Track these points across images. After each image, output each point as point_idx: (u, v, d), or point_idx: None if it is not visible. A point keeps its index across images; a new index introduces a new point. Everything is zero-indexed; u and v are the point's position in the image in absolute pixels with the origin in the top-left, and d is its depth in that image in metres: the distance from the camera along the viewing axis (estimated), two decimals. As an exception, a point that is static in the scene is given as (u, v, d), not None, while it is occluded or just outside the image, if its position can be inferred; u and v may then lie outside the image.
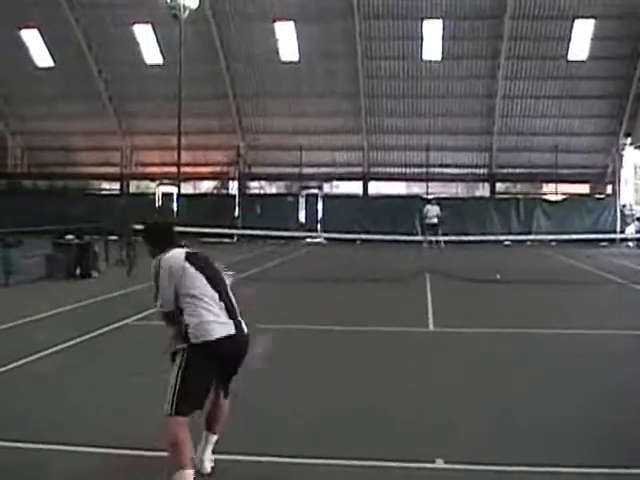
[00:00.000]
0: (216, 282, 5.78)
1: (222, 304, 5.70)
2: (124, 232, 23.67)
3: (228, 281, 5.98)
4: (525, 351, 11.31)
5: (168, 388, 5.56)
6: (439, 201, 37.31)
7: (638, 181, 44.46)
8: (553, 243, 35.86)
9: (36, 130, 45.26)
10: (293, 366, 10.00)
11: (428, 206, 36.31)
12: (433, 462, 6.17)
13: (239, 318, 5.78)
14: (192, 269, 5.70)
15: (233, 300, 5.83)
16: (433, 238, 32.86)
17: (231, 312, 5.72)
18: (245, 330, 5.78)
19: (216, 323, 5.57)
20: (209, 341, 5.52)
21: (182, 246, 6.01)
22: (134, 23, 41.20)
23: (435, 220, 35.43)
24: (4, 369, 9.46)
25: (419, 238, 32.81)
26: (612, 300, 17.52)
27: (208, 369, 5.58)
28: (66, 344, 11.04)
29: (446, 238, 32.35)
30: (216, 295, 5.69)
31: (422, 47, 40.65)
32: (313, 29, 40.11)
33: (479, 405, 8.12)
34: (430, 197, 39.35)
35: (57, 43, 42.11)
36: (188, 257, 5.79)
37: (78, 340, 11.38)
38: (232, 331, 5.62)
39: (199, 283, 5.67)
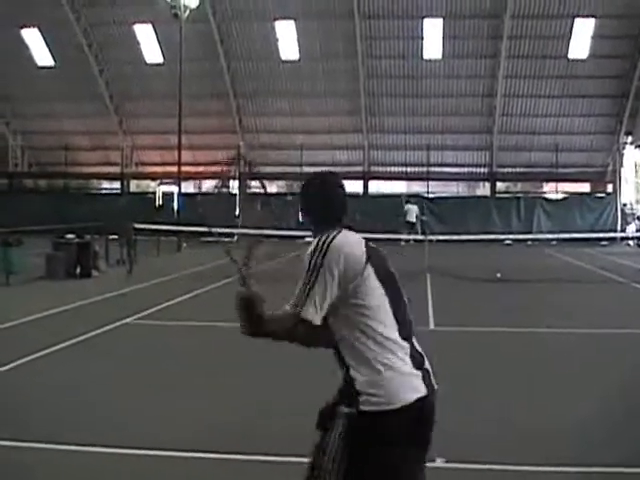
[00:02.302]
0: (398, 305, 3.69)
1: (405, 343, 3.62)
2: (124, 231, 23.71)
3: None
4: (526, 350, 11.32)
5: None
6: (417, 200, 37.90)
7: (638, 180, 44.42)
8: (554, 242, 35.82)
9: (37, 129, 45.30)
10: (294, 366, 9.99)
11: (408, 205, 36.62)
12: (433, 461, 6.16)
13: (426, 365, 3.71)
14: (373, 274, 3.58)
15: (414, 333, 3.77)
16: (410, 237, 32.87)
17: (415, 356, 3.65)
18: (435, 384, 3.68)
19: (406, 376, 3.50)
20: (397, 409, 3.41)
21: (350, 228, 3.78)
22: (135, 22, 41.19)
23: (414, 219, 35.82)
24: (6, 368, 9.47)
25: (419, 237, 32.79)
26: (612, 299, 17.51)
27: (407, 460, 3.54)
28: (66, 343, 11.05)
29: (441, 237, 32.16)
30: (397, 326, 3.61)
31: (422, 46, 40.61)
32: (313, 28, 40.09)
33: (480, 404, 8.12)
34: (409, 195, 39.64)
35: (58, 42, 42.09)
36: (369, 251, 3.64)
37: (79, 339, 11.39)
38: (422, 389, 3.51)
39: (380, 302, 3.59)
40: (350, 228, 3.74)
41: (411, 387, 3.45)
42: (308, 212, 3.94)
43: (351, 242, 3.61)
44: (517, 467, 6.12)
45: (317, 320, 3.48)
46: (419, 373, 3.53)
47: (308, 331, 3.50)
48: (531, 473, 6.03)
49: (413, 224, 35.79)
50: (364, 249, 3.60)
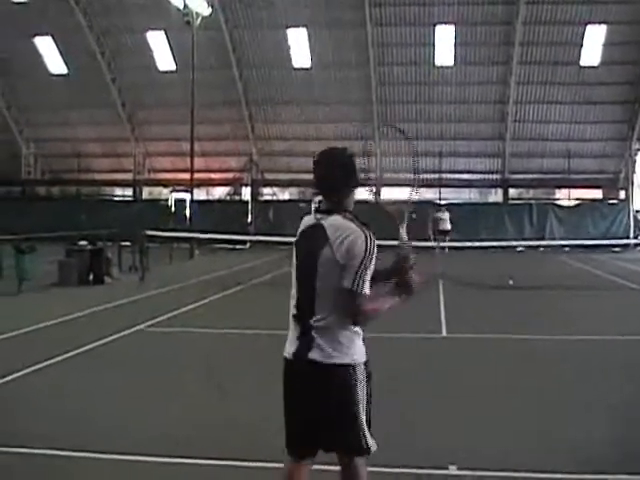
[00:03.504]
0: None
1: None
2: (137, 238, 23.77)
3: None
4: (539, 357, 11.28)
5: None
6: (449, 207, 37.47)
7: (651, 186, 44.29)
8: (566, 249, 35.73)
9: (49, 137, 45.57)
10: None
11: (439, 213, 36.32)
12: (446, 468, 6.16)
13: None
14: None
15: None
16: (443, 244, 32.73)
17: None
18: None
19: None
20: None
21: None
22: (147, 30, 41.40)
23: (448, 227, 35.42)
24: (19, 374, 9.50)
25: (432, 244, 32.71)
26: (626, 306, 17.44)
27: None
28: (79, 350, 11.07)
29: (454, 244, 32.01)
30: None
31: (434, 53, 40.65)
32: (325, 36, 40.18)
33: (493, 411, 8.10)
34: (442, 203, 39.44)
35: (71, 50, 42.35)
36: None
37: (92, 345, 11.42)
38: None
39: None
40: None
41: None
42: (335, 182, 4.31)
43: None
44: (530, 474, 6.10)
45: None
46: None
47: None
48: (544, 480, 6.02)
49: (448, 232, 35.00)
50: None
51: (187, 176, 35.72)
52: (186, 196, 39.66)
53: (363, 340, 4.25)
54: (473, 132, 42.49)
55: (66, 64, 43.19)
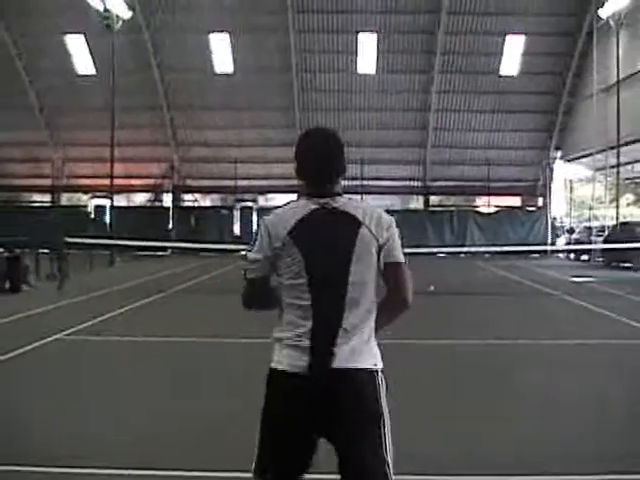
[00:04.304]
0: None
1: None
2: (56, 245, 23.27)
3: None
4: (457, 362, 11.37)
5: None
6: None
7: (568, 194, 45.35)
8: (486, 255, 36.33)
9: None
10: (234, 379, 9.87)
11: None
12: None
13: None
14: None
15: None
16: None
17: None
18: None
19: None
20: None
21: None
22: (66, 33, 40.65)
23: None
24: None
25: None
26: (543, 311, 17.76)
27: None
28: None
29: None
30: None
31: (357, 60, 40.92)
32: (248, 41, 40.07)
33: (418, 416, 8.11)
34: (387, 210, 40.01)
35: (-14, 53, 41.34)
36: None
37: (11, 355, 11.09)
38: None
39: None
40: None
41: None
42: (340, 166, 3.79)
43: None
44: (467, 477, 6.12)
45: None
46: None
47: None
48: None
49: None
50: None
51: (107, 182, 35.18)
52: (106, 202, 39.08)
53: None
54: (395, 140, 42.88)
55: (-19, 67, 42.15)
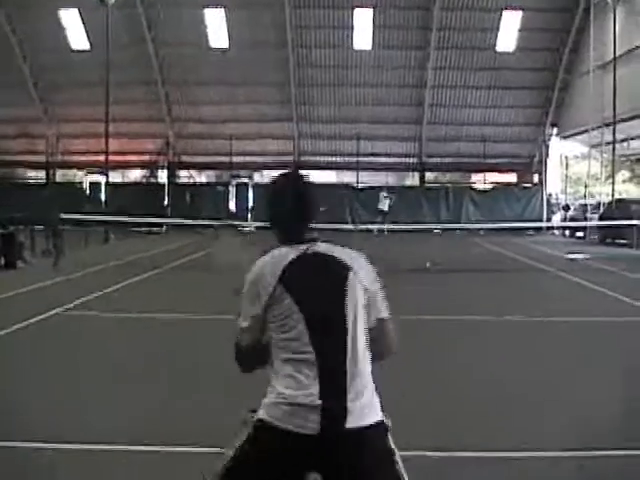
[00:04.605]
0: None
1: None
2: (51, 222, 23.22)
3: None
4: (454, 337, 11.41)
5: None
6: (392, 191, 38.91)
7: (564, 171, 45.34)
8: (482, 232, 36.36)
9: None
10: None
11: (384, 193, 37.78)
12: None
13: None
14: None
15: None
16: (376, 227, 33.43)
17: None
18: None
19: None
20: None
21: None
22: (59, 7, 40.35)
23: (386, 208, 37.58)
24: None
25: (349, 226, 32.95)
26: (537, 288, 17.84)
27: None
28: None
29: (391, 226, 32.51)
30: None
31: (353, 36, 40.72)
32: (243, 16, 39.82)
33: (414, 394, 8.15)
34: (383, 186, 40.78)
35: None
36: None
37: (9, 330, 11.10)
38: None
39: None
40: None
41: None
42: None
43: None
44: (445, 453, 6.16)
45: None
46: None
47: None
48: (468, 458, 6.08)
49: (384, 212, 37.50)
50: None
51: (102, 158, 35.04)
52: (101, 179, 38.97)
53: None
54: (391, 116, 42.75)
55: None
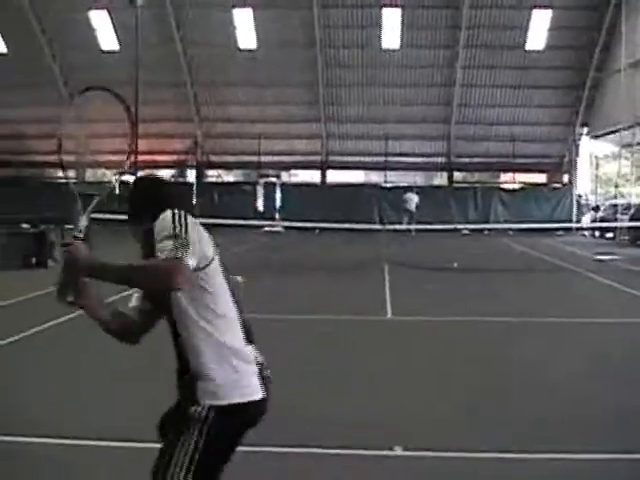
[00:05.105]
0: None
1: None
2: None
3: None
4: (482, 338, 11.38)
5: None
6: (418, 191, 38.49)
7: (594, 171, 44.99)
8: (510, 232, 36.16)
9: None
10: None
11: (409, 193, 37.61)
12: (391, 449, 6.17)
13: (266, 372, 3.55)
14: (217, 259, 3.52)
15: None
16: (404, 227, 33.40)
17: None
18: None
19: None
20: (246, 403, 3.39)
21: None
22: (89, 8, 40.65)
23: (413, 208, 37.00)
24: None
25: (377, 226, 32.94)
26: (567, 288, 17.73)
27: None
28: (26, 333, 10.89)
29: (419, 226, 32.47)
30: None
31: (381, 35, 40.64)
32: (272, 17, 39.87)
33: (436, 392, 8.14)
34: (412, 186, 40.34)
35: (10, 29, 41.38)
36: None
37: (38, 329, 11.21)
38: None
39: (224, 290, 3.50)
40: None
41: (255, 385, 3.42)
42: (146, 205, 3.85)
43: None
44: (475, 454, 6.14)
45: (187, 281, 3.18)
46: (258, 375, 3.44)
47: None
48: (490, 459, 6.06)
49: (412, 213, 36.87)
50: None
51: (131, 158, 35.17)
52: (130, 178, 39.10)
53: None
54: (419, 115, 42.62)
55: (5, 43, 42.23)
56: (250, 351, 3.45)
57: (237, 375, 3.35)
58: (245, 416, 3.39)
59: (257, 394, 3.39)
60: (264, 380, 3.44)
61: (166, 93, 41.69)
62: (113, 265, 3.40)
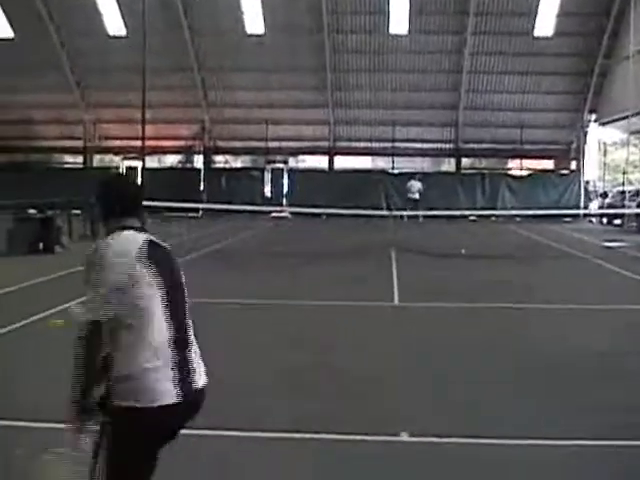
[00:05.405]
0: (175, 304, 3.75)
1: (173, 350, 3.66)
2: (88, 206, 23.44)
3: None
4: (489, 325, 11.37)
5: None
6: (421, 178, 38.13)
7: (602, 157, 44.83)
8: (518, 218, 36.13)
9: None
10: (250, 341, 9.93)
11: (412, 181, 37.33)
12: (398, 435, 6.17)
13: (192, 375, 3.70)
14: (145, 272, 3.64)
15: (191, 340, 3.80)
16: (412, 213, 33.26)
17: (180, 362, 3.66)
18: (195, 394, 3.69)
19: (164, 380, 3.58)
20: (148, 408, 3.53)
21: (140, 228, 3.91)
22: (96, -6, 40.62)
23: (417, 195, 36.68)
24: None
25: (384, 212, 32.92)
26: (574, 275, 17.70)
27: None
28: (33, 318, 10.91)
29: (426, 212, 32.41)
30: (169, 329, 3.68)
31: (389, 21, 40.46)
32: (279, 1, 39.71)
33: (444, 379, 8.14)
34: (414, 172, 40.13)
35: (17, 14, 41.30)
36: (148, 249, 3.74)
37: (45, 314, 11.23)
38: (173, 396, 3.57)
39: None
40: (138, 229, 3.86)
41: (161, 391, 3.54)
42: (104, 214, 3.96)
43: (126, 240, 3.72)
44: (481, 439, 6.13)
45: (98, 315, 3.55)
46: (176, 379, 3.58)
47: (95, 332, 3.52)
48: (497, 445, 6.06)
49: (416, 201, 36.35)
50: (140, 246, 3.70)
51: (138, 143, 35.20)
52: (138, 164, 39.19)
53: None
54: (427, 101, 42.48)
55: (12, 28, 42.16)
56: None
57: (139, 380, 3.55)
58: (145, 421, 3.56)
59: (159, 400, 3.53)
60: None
61: (173, 78, 41.58)
62: (74, 383, 3.58)
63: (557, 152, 43.65)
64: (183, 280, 3.91)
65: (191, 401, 3.62)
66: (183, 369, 3.61)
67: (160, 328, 3.59)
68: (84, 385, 3.52)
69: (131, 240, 3.71)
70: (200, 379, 3.71)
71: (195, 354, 3.75)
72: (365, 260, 19.59)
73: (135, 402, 3.47)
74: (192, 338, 3.78)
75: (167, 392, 3.52)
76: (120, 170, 41.49)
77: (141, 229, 3.87)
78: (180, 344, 3.66)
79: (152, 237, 3.85)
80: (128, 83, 37.76)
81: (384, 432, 6.30)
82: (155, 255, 3.71)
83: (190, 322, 3.81)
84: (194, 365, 3.70)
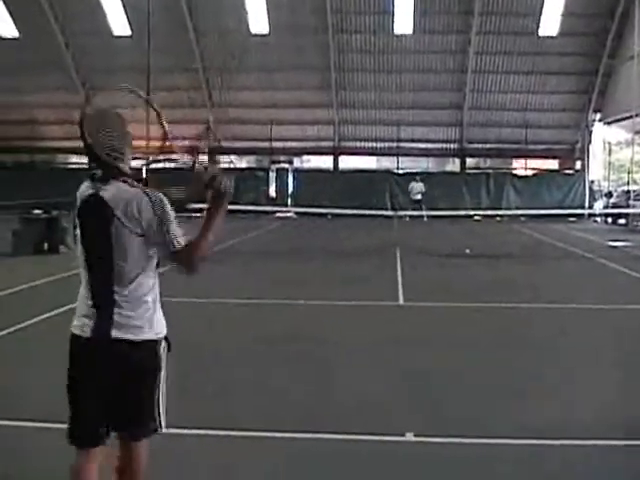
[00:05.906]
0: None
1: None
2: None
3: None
4: (494, 324, 11.37)
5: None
6: (423, 178, 38.11)
7: (606, 157, 44.78)
8: (523, 218, 36.11)
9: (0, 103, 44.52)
10: (255, 340, 9.93)
11: (413, 183, 37.43)
12: (403, 435, 6.17)
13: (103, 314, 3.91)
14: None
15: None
16: (416, 213, 33.28)
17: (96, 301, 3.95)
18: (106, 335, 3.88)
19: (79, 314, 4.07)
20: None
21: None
22: (101, -6, 40.66)
23: (419, 196, 36.78)
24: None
25: (389, 212, 32.94)
26: (579, 275, 17.68)
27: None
28: (37, 318, 10.93)
29: (430, 212, 32.39)
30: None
31: (393, 21, 40.46)
32: (284, 1, 39.74)
33: (448, 379, 8.13)
34: (415, 173, 40.17)
35: (22, 13, 41.34)
36: None
37: (50, 314, 11.25)
38: (86, 331, 3.98)
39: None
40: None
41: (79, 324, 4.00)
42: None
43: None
44: (484, 439, 6.14)
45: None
46: (91, 315, 3.92)
47: None
48: (493, 445, 6.06)
49: (418, 201, 36.37)
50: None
51: (143, 144, 35.21)
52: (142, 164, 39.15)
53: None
54: (431, 101, 42.48)
55: (17, 28, 42.21)
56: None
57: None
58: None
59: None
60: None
61: (178, 79, 41.65)
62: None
63: (562, 152, 43.63)
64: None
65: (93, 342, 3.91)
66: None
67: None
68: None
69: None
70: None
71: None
72: (370, 260, 19.60)
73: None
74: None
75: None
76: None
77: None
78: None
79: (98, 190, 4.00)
80: (133, 83, 37.52)
81: (389, 432, 6.30)
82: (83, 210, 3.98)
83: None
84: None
